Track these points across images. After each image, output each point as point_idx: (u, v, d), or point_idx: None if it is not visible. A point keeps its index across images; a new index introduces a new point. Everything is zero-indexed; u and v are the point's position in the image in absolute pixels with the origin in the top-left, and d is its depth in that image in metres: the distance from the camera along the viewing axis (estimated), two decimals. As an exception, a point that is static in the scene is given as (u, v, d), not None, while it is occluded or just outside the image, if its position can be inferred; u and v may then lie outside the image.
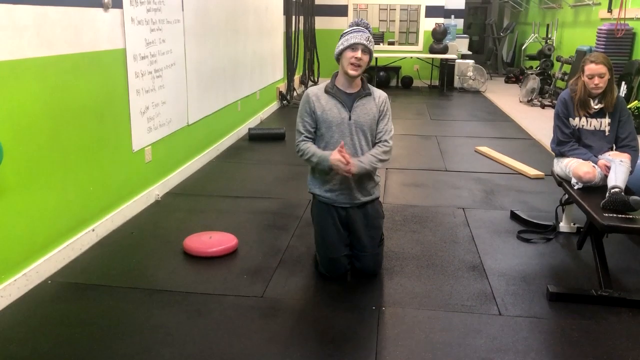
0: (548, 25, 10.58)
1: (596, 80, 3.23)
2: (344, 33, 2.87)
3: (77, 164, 3.19)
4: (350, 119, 2.88)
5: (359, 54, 2.78)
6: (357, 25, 2.87)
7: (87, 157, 3.30)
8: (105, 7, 3.38)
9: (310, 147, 2.91)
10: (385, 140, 2.95)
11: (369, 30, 2.87)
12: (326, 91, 2.92)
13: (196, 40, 4.87)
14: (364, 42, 2.79)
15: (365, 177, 2.94)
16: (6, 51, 2.60)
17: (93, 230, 3.36)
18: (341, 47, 2.84)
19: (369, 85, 2.99)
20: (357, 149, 2.90)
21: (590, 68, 3.25)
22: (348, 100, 2.90)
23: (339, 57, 2.87)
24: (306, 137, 2.94)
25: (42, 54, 2.85)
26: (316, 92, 2.95)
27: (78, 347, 2.35)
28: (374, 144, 2.97)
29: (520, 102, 9.20)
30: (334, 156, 2.79)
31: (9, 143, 2.58)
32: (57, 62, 2.98)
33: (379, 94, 2.98)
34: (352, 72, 2.83)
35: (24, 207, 2.78)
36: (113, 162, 3.59)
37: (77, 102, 3.17)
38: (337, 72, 2.94)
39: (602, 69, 3.22)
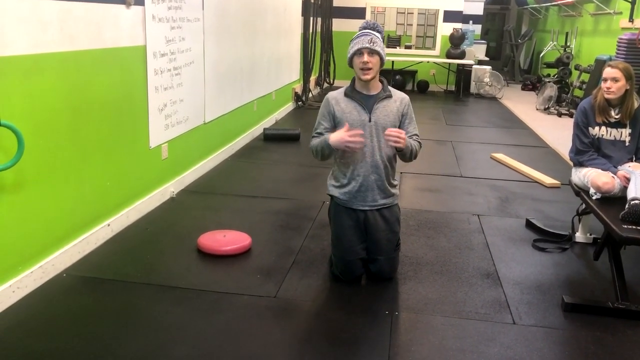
0: (567, 33, 10.49)
1: (608, 83, 3.21)
2: (352, 39, 2.88)
3: (94, 159, 3.22)
4: (370, 120, 2.88)
5: (364, 58, 2.78)
6: (365, 28, 2.86)
7: (105, 153, 3.32)
8: (128, 4, 3.40)
9: (314, 140, 2.93)
10: (418, 136, 3.02)
11: (378, 30, 2.86)
12: (345, 94, 2.93)
13: (215, 39, 4.89)
14: (367, 45, 2.78)
15: (386, 180, 2.94)
16: (30, 45, 2.62)
17: (108, 225, 3.38)
18: (349, 54, 2.86)
19: (390, 87, 2.98)
20: (376, 150, 2.90)
21: (605, 71, 3.25)
22: (368, 102, 2.90)
23: (351, 64, 2.88)
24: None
25: (65, 49, 2.87)
26: (335, 95, 2.96)
27: (91, 340, 2.37)
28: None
29: (537, 110, 9.13)
30: (335, 137, 2.78)
31: (29, 136, 2.60)
32: (79, 57, 3.00)
33: (401, 97, 2.98)
34: (364, 77, 2.83)
35: (41, 200, 2.80)
36: (130, 158, 3.61)
37: (97, 98, 3.20)
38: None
39: (616, 73, 3.20)
